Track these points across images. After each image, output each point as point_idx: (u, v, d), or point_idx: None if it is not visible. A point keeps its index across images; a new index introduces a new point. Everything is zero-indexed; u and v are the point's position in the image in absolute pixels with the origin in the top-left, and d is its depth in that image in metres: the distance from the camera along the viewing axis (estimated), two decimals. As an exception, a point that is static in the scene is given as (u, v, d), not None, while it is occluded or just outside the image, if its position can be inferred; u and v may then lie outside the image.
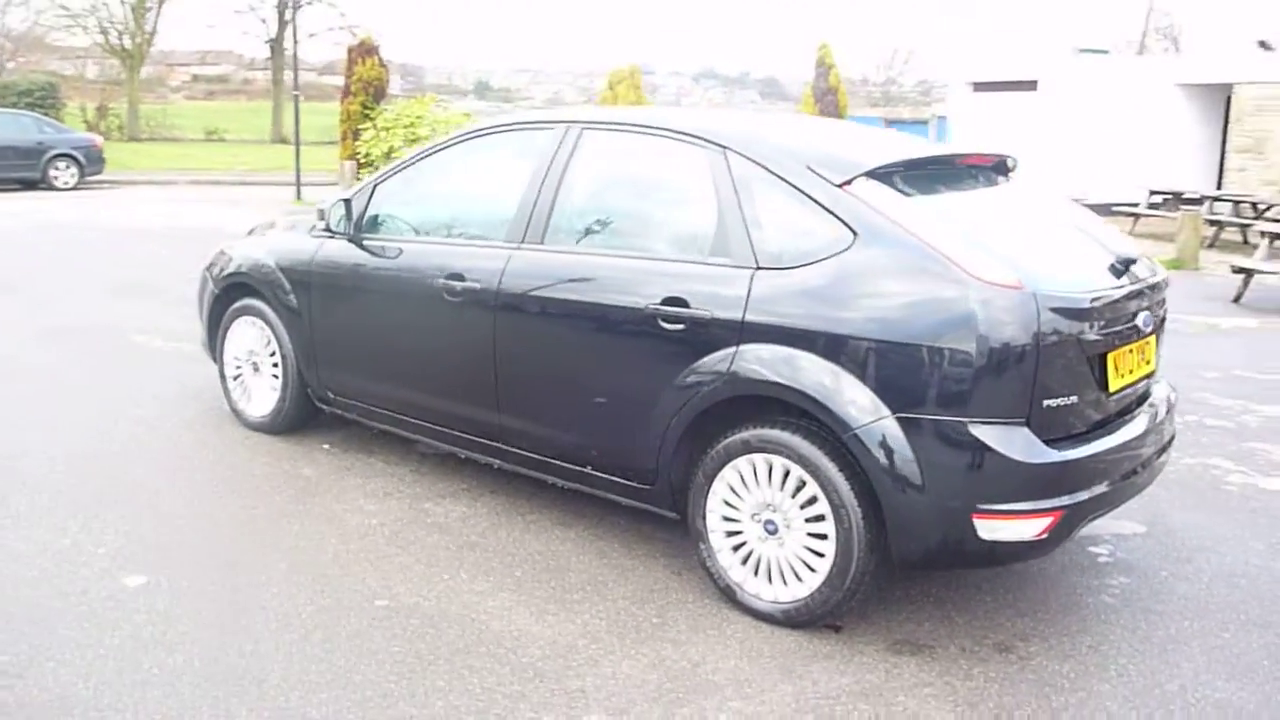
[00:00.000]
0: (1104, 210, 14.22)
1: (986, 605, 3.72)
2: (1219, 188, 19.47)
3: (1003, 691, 3.18)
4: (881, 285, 3.30)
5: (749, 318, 3.47)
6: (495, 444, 4.29)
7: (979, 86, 22.86)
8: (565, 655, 3.29)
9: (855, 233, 3.37)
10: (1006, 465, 3.15)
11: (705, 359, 3.56)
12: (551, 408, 4.06)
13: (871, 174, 3.50)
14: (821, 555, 3.41)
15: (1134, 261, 3.65)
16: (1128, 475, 3.50)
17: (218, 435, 5.25)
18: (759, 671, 3.24)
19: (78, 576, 3.68)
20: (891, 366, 3.24)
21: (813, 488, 3.39)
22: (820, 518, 3.40)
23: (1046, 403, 3.23)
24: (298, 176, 17.99)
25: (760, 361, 3.44)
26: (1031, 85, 21.07)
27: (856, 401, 3.27)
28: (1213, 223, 15.89)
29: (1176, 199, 17.92)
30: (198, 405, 5.74)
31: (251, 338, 5.26)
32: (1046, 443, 3.21)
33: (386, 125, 17.09)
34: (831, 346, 3.32)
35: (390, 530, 4.18)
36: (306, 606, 3.53)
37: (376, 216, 4.73)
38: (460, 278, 4.22)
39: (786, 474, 3.45)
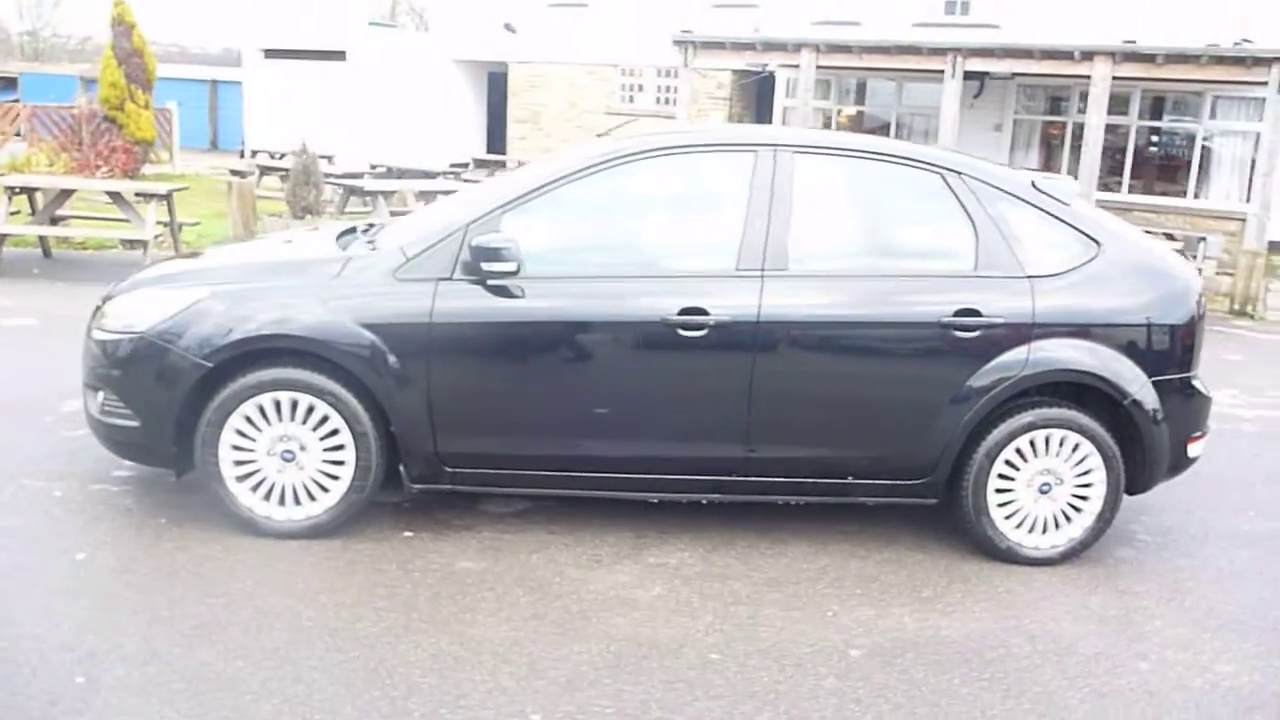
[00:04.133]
0: (407, 176, 15.35)
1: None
2: (504, 154, 22.24)
3: (1233, 556, 4.48)
4: (1130, 282, 4.26)
5: (1038, 319, 4.12)
6: (730, 478, 4.15)
7: (272, 53, 22.38)
8: (1068, 648, 3.62)
9: (1098, 242, 4.24)
10: (1206, 402, 4.41)
11: (999, 359, 4.11)
12: (820, 429, 4.13)
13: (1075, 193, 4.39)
14: (1087, 498, 4.28)
15: None
16: None
17: (268, 556, 3.86)
18: (1124, 599, 4.03)
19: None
20: (1146, 343, 4.24)
21: (1086, 448, 4.22)
22: (1089, 470, 4.25)
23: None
24: None
25: (1058, 355, 4.13)
26: (340, 55, 21.42)
27: (1130, 374, 4.19)
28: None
29: (486, 165, 20.12)
30: (163, 535, 4.04)
31: (282, 420, 3.94)
32: (1196, 384, 4.55)
33: None
34: (1107, 334, 4.19)
35: (684, 588, 3.86)
36: (822, 686, 3.30)
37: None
38: (702, 311, 3.96)
39: (1062, 442, 4.22)
